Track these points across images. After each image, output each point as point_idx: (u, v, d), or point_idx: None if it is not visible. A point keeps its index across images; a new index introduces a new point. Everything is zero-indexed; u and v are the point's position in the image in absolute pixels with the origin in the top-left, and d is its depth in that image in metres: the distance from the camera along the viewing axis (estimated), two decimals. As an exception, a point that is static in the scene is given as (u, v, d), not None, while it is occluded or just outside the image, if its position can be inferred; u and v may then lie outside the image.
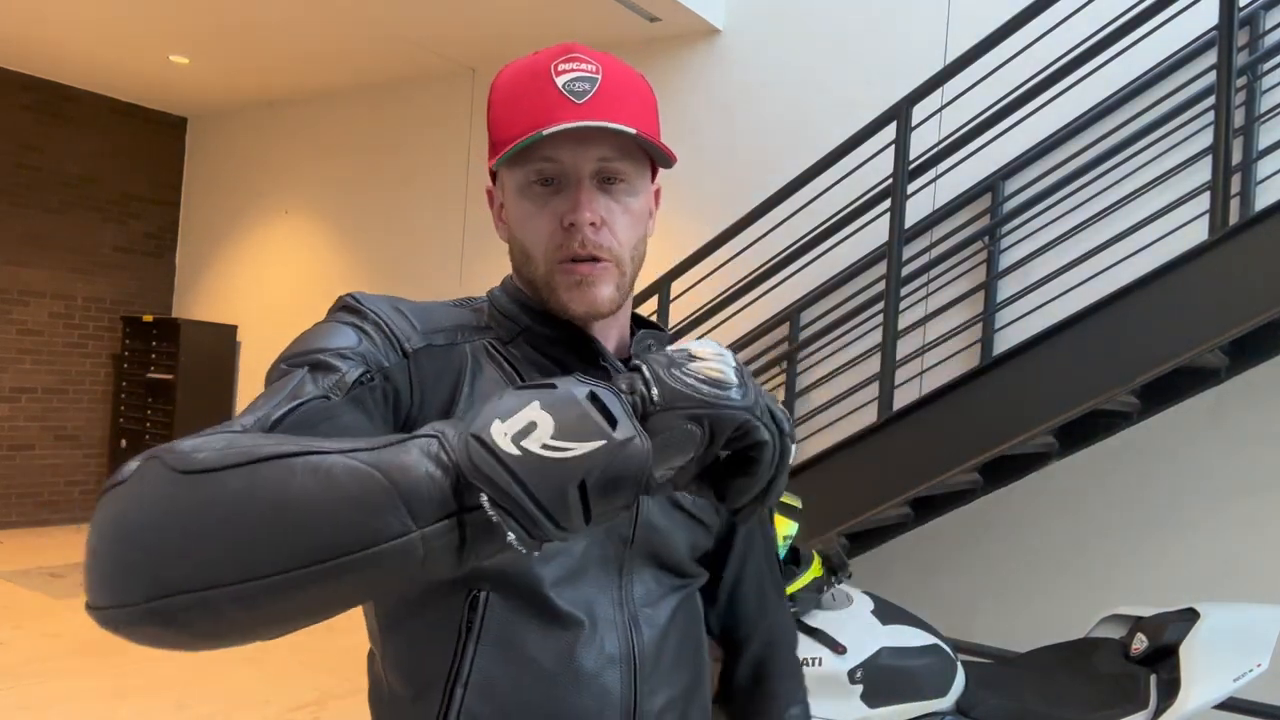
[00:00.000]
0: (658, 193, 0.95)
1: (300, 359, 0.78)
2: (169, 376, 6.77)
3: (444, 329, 0.87)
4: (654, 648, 0.87)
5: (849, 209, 3.93)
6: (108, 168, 7.11)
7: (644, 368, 0.64)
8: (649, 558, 0.89)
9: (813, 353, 4.15)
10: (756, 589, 1.04)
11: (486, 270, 5.69)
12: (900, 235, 3.28)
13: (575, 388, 0.60)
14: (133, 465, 0.65)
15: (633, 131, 0.81)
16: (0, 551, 6.01)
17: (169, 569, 0.56)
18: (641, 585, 0.88)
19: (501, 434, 0.57)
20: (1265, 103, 3.33)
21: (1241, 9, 2.97)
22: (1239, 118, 3.23)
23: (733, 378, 0.64)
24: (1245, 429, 3.40)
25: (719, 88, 4.78)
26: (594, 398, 0.60)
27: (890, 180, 3.36)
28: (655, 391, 0.62)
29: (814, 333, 4.06)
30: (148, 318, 6.98)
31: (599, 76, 0.83)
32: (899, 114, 3.28)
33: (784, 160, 4.23)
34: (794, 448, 0.68)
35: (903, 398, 3.31)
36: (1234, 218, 2.84)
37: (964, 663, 2.22)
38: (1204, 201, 2.85)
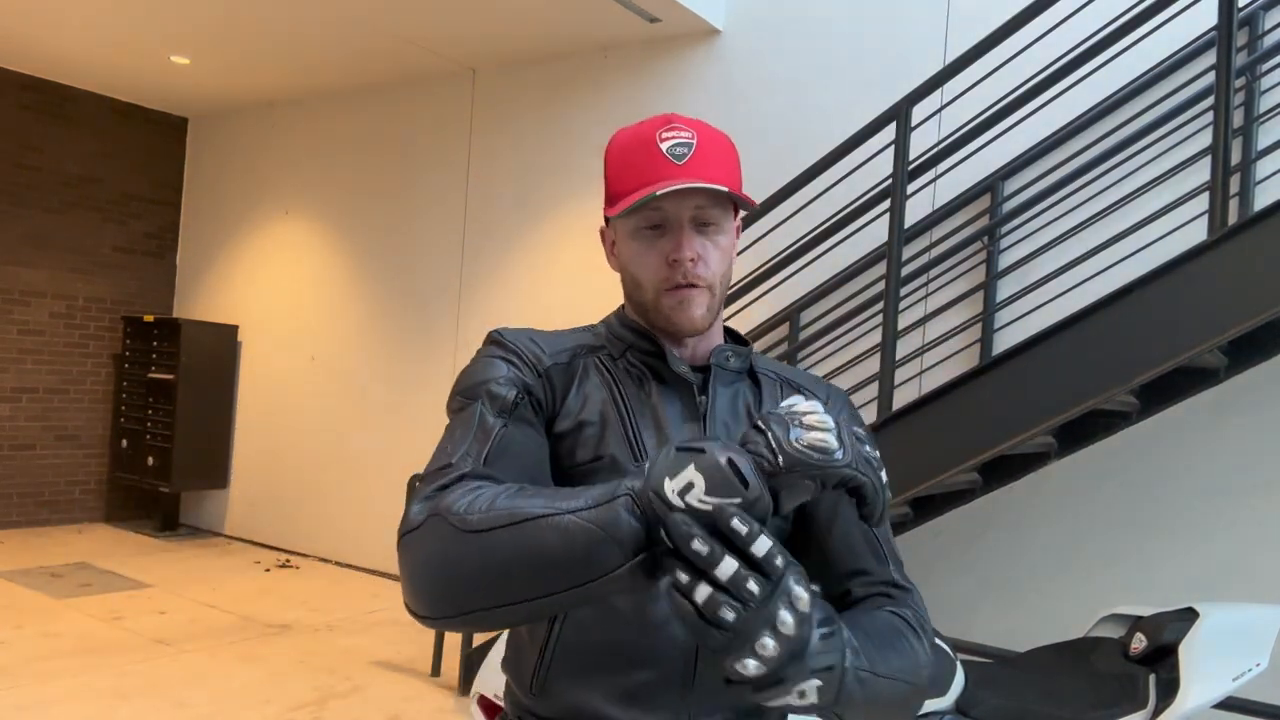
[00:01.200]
0: (739, 228, 1.17)
1: (472, 391, 1.06)
2: (170, 376, 6.78)
3: (566, 349, 1.12)
4: None
5: (849, 209, 3.93)
6: (108, 168, 7.12)
7: (768, 433, 0.83)
8: None
9: (813, 352, 4.15)
10: (846, 551, 1.08)
11: (485, 271, 5.69)
12: (900, 235, 3.29)
13: (719, 453, 0.80)
14: (418, 516, 0.92)
15: (725, 190, 1.03)
16: (0, 551, 6.02)
17: (469, 599, 0.87)
18: None
19: (670, 491, 0.79)
20: (1264, 103, 3.34)
21: (1240, 10, 2.97)
22: (1238, 118, 3.24)
23: (834, 444, 0.83)
24: (1244, 429, 3.40)
25: (719, 88, 4.79)
26: (731, 463, 0.80)
27: (890, 180, 3.36)
28: (781, 459, 0.81)
29: (814, 332, 4.06)
30: (148, 318, 6.98)
31: (694, 142, 1.06)
32: (899, 114, 3.28)
33: (784, 160, 4.24)
34: (884, 474, 0.90)
35: (902, 397, 3.32)
36: (1233, 218, 2.85)
37: (964, 662, 2.22)
38: (1203, 202, 2.86)
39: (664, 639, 1.01)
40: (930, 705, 2.11)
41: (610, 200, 1.10)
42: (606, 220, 1.15)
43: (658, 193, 1.02)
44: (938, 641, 2.16)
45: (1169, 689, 2.08)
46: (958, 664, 2.17)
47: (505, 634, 1.16)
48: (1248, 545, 3.40)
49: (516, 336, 1.12)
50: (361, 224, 6.43)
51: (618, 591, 0.85)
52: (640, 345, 1.13)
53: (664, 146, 1.05)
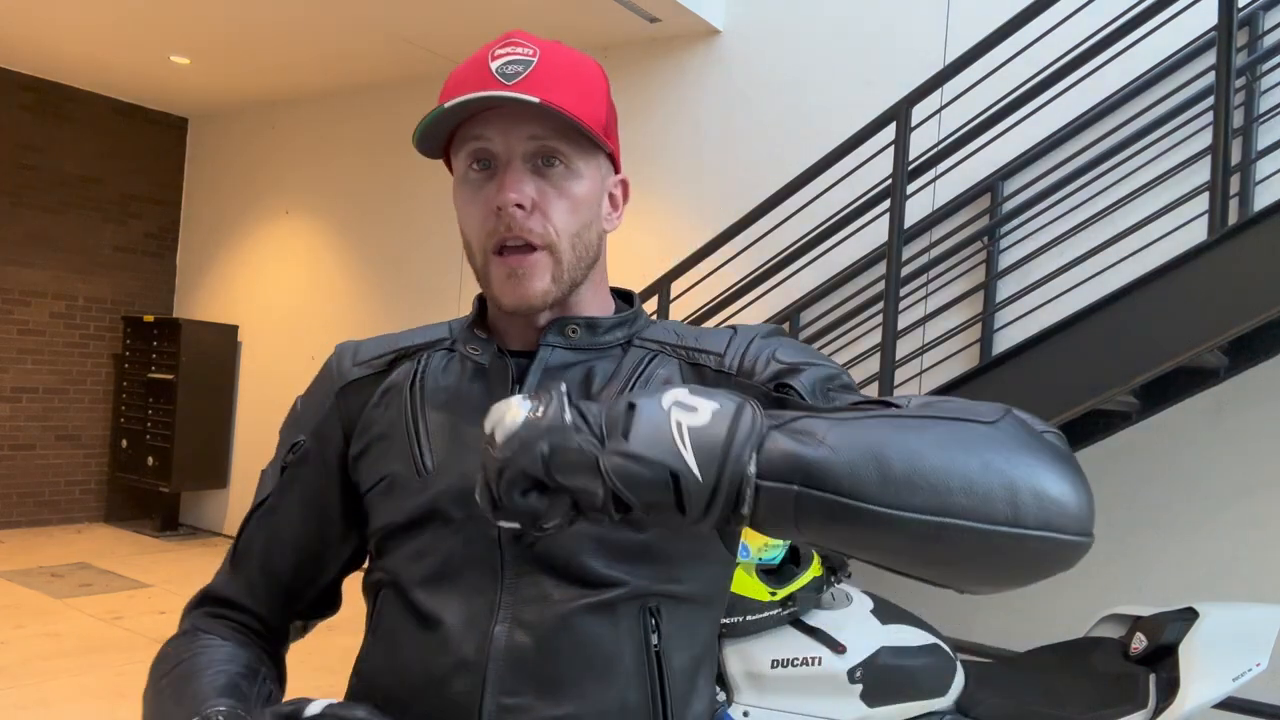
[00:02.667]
0: (625, 185, 0.93)
1: (279, 446, 0.99)
2: (170, 377, 6.78)
3: (390, 352, 0.96)
4: (533, 657, 0.79)
5: (849, 209, 3.93)
6: (109, 168, 7.12)
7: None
8: (534, 559, 0.81)
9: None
10: None
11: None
12: (900, 235, 3.29)
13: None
14: (180, 624, 1.00)
15: (535, 100, 0.78)
16: (0, 551, 6.02)
17: None
18: (532, 589, 0.81)
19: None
20: (1264, 103, 3.34)
21: (1240, 9, 2.97)
22: (1238, 118, 3.24)
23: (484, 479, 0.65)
24: (1244, 429, 3.40)
25: (719, 88, 4.79)
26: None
27: (890, 180, 3.36)
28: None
29: (814, 333, 4.06)
30: (149, 318, 6.99)
31: (535, 59, 0.82)
32: (899, 114, 3.28)
33: (784, 160, 4.24)
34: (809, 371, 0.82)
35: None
36: (1233, 218, 2.85)
37: (963, 662, 2.22)
38: (1203, 202, 2.86)
39: (443, 699, 0.81)
40: (930, 705, 2.11)
41: None
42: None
43: (445, 105, 0.80)
44: (938, 643, 2.16)
45: (1169, 689, 2.08)
46: (957, 664, 2.18)
47: None
48: (1248, 545, 3.40)
49: (343, 351, 0.98)
50: (362, 224, 6.43)
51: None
52: (474, 328, 0.93)
53: (494, 65, 0.82)
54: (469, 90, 0.80)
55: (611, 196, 0.91)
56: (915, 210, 3.77)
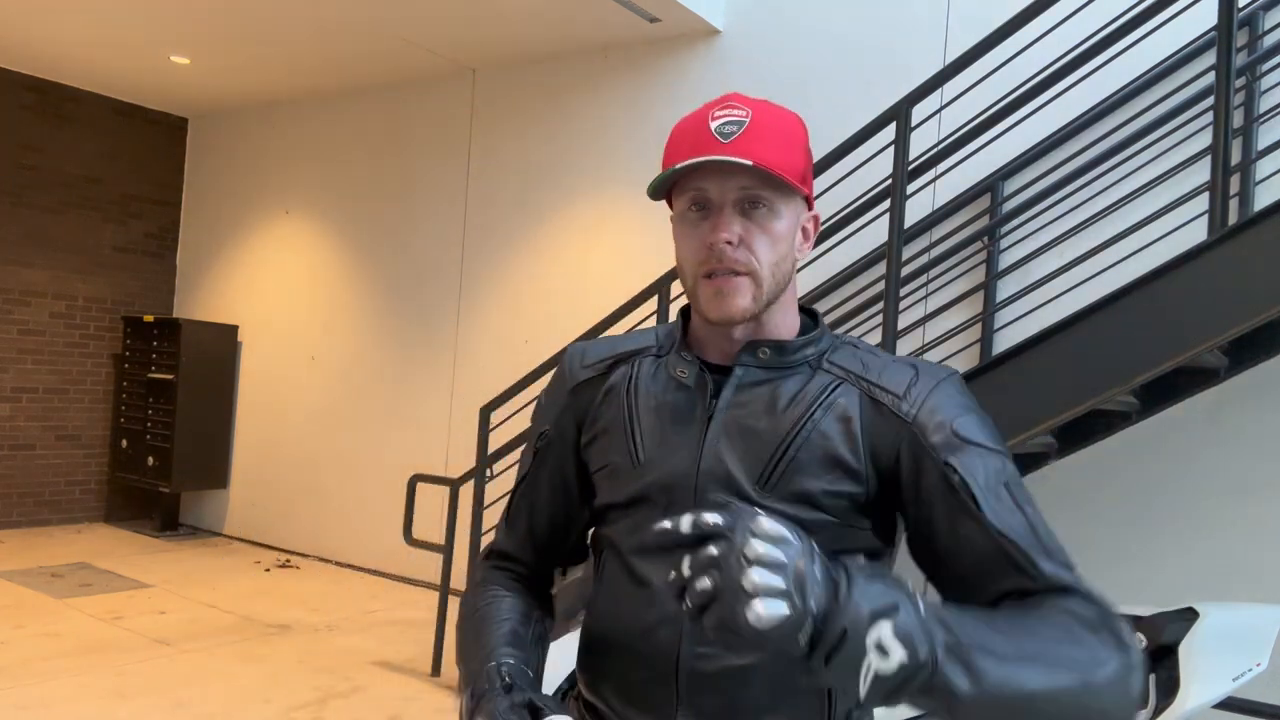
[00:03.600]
0: (816, 219, 1.10)
1: (530, 431, 1.22)
2: (170, 377, 6.78)
3: (608, 357, 1.15)
4: None
5: (849, 209, 3.93)
6: (109, 168, 7.12)
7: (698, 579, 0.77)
8: None
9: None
10: (986, 577, 0.93)
11: (485, 270, 5.69)
12: (900, 235, 3.29)
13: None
14: (471, 577, 1.25)
15: (748, 164, 0.96)
16: (1, 551, 6.02)
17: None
18: None
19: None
20: (1264, 103, 3.34)
21: (1240, 10, 2.97)
22: (1238, 118, 3.24)
23: (775, 613, 0.73)
24: (1244, 429, 3.40)
25: (719, 88, 4.76)
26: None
27: (890, 180, 3.36)
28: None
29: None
30: (148, 318, 6.99)
31: (747, 120, 1.00)
32: (899, 114, 3.28)
33: (784, 160, 4.24)
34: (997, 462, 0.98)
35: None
36: (1233, 218, 2.85)
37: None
38: (1203, 202, 2.86)
39: (652, 643, 1.02)
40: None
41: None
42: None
43: (678, 166, 0.99)
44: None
45: (1169, 689, 2.08)
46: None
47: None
48: (1248, 545, 3.40)
49: (573, 353, 1.18)
50: (362, 224, 6.43)
51: None
52: (676, 343, 1.12)
53: (714, 125, 1.00)
54: (694, 148, 0.99)
55: (804, 230, 1.08)
56: (915, 210, 3.78)
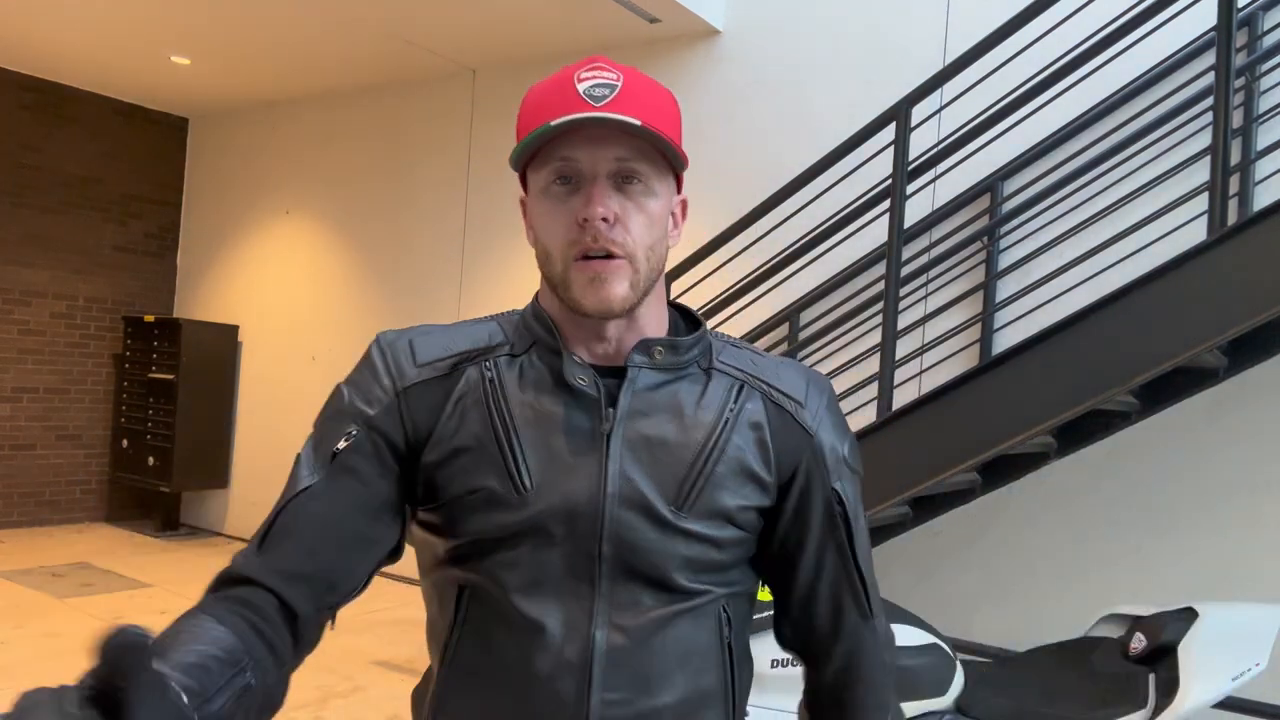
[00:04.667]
0: (684, 205, 0.98)
1: (314, 431, 0.94)
2: (170, 376, 6.78)
3: (450, 355, 0.94)
4: (630, 657, 0.88)
5: (848, 209, 3.93)
6: (109, 168, 7.12)
7: None
8: (627, 571, 0.89)
9: (813, 353, 4.15)
10: (832, 606, 0.98)
11: (486, 270, 5.69)
12: (900, 235, 3.29)
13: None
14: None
15: (637, 123, 0.84)
16: (1, 551, 6.02)
17: None
18: (625, 595, 0.89)
19: None
20: (1263, 103, 3.34)
21: (1240, 10, 2.98)
22: (1237, 118, 3.24)
23: None
24: (1243, 428, 3.41)
25: (719, 88, 4.79)
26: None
27: (890, 181, 3.36)
28: None
29: (814, 333, 4.06)
30: (149, 318, 6.99)
31: (619, 84, 0.88)
32: (898, 115, 3.28)
33: (784, 161, 4.24)
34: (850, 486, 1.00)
35: (902, 397, 3.32)
36: (1233, 218, 2.85)
37: (963, 662, 2.23)
38: (1203, 202, 2.86)
39: (547, 697, 0.88)
40: (930, 705, 2.11)
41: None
42: (525, 187, 0.98)
43: (553, 123, 0.84)
44: (937, 642, 2.17)
45: (1168, 689, 2.08)
46: (957, 664, 2.18)
47: None
48: (1247, 545, 3.40)
49: (395, 342, 0.96)
50: (362, 223, 6.43)
51: None
52: (545, 340, 0.94)
53: (581, 87, 0.87)
54: (559, 111, 0.86)
55: (673, 215, 0.96)
56: (915, 210, 3.78)
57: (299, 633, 0.87)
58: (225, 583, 0.88)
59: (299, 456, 0.92)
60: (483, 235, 5.75)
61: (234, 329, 7.11)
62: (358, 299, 6.42)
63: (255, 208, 7.12)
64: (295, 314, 6.80)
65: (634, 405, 0.92)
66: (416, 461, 0.92)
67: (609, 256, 0.87)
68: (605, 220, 0.86)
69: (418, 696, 0.99)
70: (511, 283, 5.59)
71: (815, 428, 0.97)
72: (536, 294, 0.98)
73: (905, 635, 2.13)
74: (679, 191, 0.97)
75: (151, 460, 6.85)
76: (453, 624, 0.92)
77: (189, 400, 6.79)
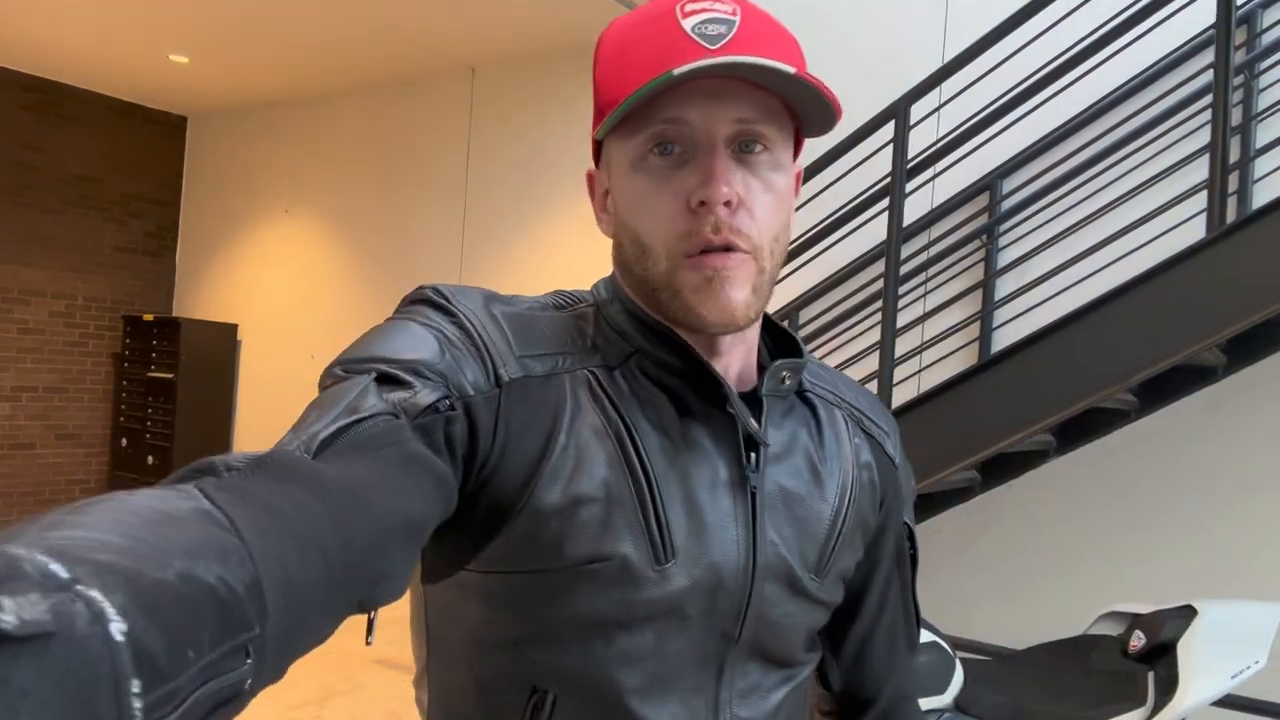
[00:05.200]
0: (799, 177, 0.75)
1: (363, 364, 0.61)
2: (169, 375, 6.78)
3: (544, 351, 0.69)
4: None
5: (848, 207, 3.93)
6: (108, 167, 7.12)
7: None
8: (756, 651, 0.73)
9: (812, 351, 4.15)
10: (888, 644, 0.87)
11: (485, 268, 5.69)
12: (899, 233, 3.29)
13: None
14: None
15: (790, 70, 0.62)
16: (1, 551, 6.02)
17: None
18: (744, 680, 0.73)
19: None
20: (1263, 101, 3.34)
21: (1239, 8, 2.97)
22: (1237, 116, 3.24)
23: None
24: (1242, 426, 3.41)
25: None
26: None
27: (889, 179, 3.36)
28: None
29: (812, 331, 4.07)
30: (148, 316, 6.99)
31: (737, 19, 0.65)
32: (897, 113, 3.28)
33: (783, 159, 4.23)
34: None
35: (901, 395, 3.32)
36: (1232, 215, 2.85)
37: (962, 660, 2.23)
38: (1202, 199, 2.86)
39: None
40: (929, 704, 2.11)
41: (599, 114, 0.70)
42: (596, 154, 0.74)
43: (676, 72, 0.61)
44: (937, 641, 2.17)
45: (1168, 687, 2.08)
46: (957, 662, 2.18)
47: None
48: (1246, 542, 3.40)
49: (473, 306, 0.68)
50: (361, 222, 6.43)
51: None
52: (656, 354, 0.70)
53: (688, 24, 0.64)
54: (667, 57, 0.63)
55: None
56: (914, 208, 3.78)
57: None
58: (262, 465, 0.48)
59: (359, 381, 0.59)
60: (482, 231, 5.75)
61: (233, 328, 7.11)
62: (356, 297, 6.42)
63: (254, 206, 7.11)
64: (294, 312, 6.80)
65: (773, 444, 0.73)
66: (487, 490, 0.65)
67: (729, 249, 0.66)
68: (728, 204, 0.65)
69: None
70: (511, 277, 5.59)
71: (899, 459, 0.84)
72: (612, 281, 0.75)
73: (905, 633, 2.13)
74: (795, 156, 0.73)
75: (151, 459, 6.85)
76: None
77: (188, 399, 6.79)
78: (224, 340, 7.08)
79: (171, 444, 6.75)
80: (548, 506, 0.64)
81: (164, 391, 6.83)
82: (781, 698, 0.75)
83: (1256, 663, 2.08)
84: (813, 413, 0.78)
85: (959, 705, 2.15)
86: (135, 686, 0.31)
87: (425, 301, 0.68)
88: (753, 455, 0.71)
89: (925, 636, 2.15)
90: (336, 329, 6.50)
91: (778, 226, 0.69)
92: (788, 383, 0.74)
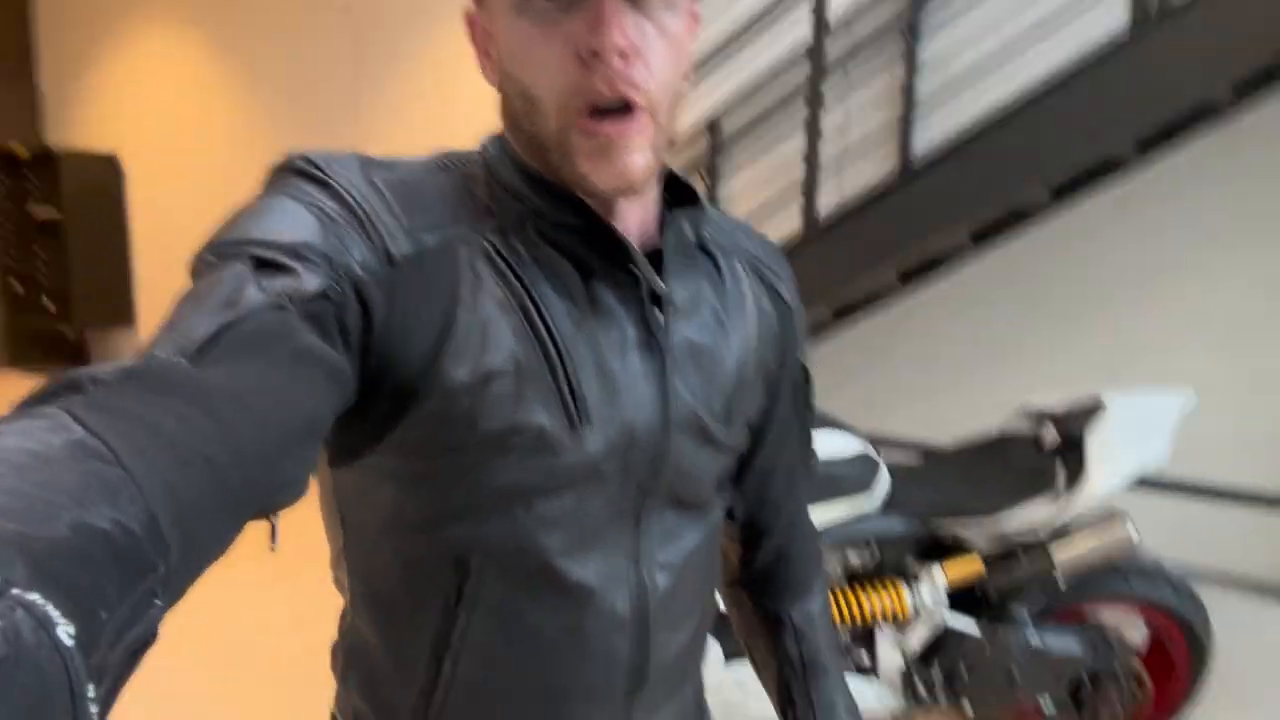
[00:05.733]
0: (695, 17, 0.68)
1: (237, 248, 0.55)
2: (54, 214, 6.37)
3: (435, 220, 0.63)
4: (668, 595, 0.75)
5: (762, 12, 3.76)
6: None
7: None
8: (671, 500, 0.74)
9: (734, 161, 4.07)
10: (787, 478, 0.89)
11: (385, 101, 5.34)
12: (822, 31, 3.17)
13: None
14: None
15: None
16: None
17: None
18: (661, 528, 0.74)
19: None
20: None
21: None
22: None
23: None
24: (1149, 222, 3.50)
25: None
26: None
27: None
28: None
29: (735, 137, 3.97)
30: (20, 151, 6.46)
31: None
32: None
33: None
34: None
35: (824, 201, 3.31)
36: (1154, 6, 2.81)
37: (888, 465, 2.34)
38: (1126, -11, 2.80)
39: (600, 660, 0.73)
40: (858, 508, 2.23)
41: None
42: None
43: None
44: (866, 449, 2.26)
45: (1077, 478, 2.23)
46: (883, 466, 2.29)
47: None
48: (1154, 334, 3.57)
49: (352, 176, 0.62)
50: (242, 30, 5.92)
51: None
52: (553, 214, 0.66)
53: None
54: None
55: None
56: (836, 6, 3.63)
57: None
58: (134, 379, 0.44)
59: (233, 269, 0.54)
60: (377, 56, 5.35)
61: (114, 159, 6.64)
62: (249, 119, 6.00)
63: (122, 18, 6.46)
64: (181, 137, 6.35)
65: (676, 299, 0.72)
66: (387, 375, 0.61)
67: (626, 109, 0.61)
68: (623, 56, 0.59)
69: (368, 697, 0.76)
70: (418, 108, 5.27)
71: (792, 300, 0.84)
72: (500, 139, 0.70)
73: (836, 444, 2.21)
74: None
75: (48, 301, 6.54)
76: (454, 605, 0.69)
77: (78, 237, 6.43)
78: (107, 173, 6.61)
79: (69, 285, 6.43)
80: (456, 385, 0.62)
81: (51, 232, 6.43)
82: (698, 539, 0.77)
83: (1159, 450, 2.24)
84: (714, 265, 0.76)
85: (887, 507, 2.28)
86: (91, 692, 0.30)
87: (297, 173, 0.61)
88: (659, 313, 0.70)
89: (853, 445, 2.24)
90: (229, 153, 6.10)
91: (676, 80, 0.64)
92: (689, 234, 0.73)
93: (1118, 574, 2.32)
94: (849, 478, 2.21)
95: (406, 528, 0.69)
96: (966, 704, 2.33)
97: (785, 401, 0.86)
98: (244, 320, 0.50)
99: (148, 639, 0.36)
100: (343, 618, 0.80)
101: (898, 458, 2.51)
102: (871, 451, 2.28)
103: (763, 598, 0.95)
